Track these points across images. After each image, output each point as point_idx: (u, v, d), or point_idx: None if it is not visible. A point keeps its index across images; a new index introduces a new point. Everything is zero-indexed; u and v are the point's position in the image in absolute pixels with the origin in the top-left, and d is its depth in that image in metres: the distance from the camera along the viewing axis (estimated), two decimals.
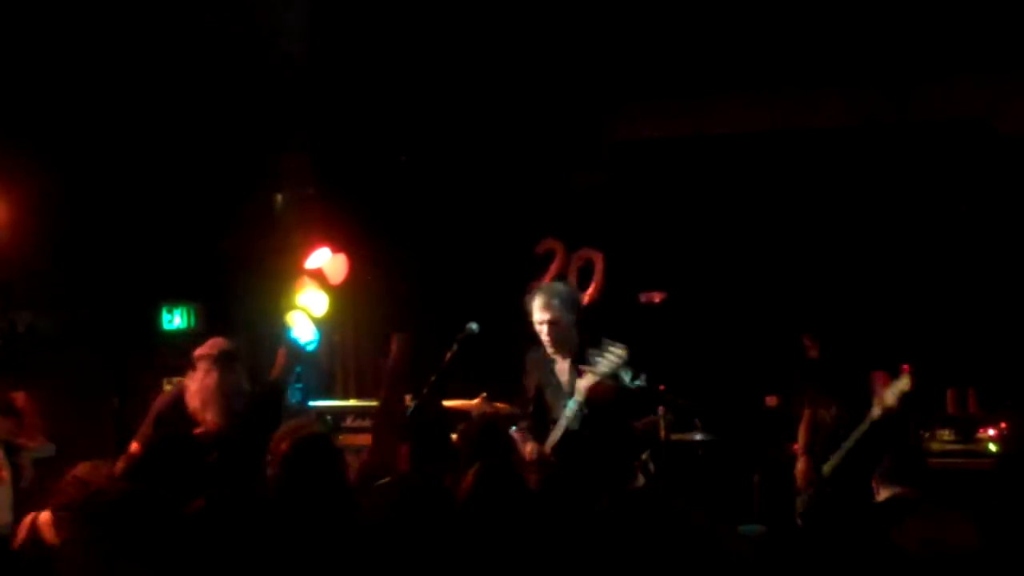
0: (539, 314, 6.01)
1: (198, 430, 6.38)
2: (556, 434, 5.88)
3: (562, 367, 6.05)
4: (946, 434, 7.32)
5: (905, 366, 6.34)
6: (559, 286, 6.36)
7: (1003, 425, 7.23)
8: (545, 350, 6.07)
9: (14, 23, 7.40)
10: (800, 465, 6.75)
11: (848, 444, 6.43)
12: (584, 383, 5.80)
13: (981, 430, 7.35)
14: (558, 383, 6.04)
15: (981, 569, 3.71)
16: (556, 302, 6.02)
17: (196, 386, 6.40)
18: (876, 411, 6.31)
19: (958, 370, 7.81)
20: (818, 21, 8.00)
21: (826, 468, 6.58)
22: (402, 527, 3.70)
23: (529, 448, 5.87)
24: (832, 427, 6.66)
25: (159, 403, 6.53)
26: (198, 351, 6.44)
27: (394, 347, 7.27)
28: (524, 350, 6.19)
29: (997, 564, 3.80)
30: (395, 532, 3.69)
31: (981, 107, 8.51)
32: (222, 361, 6.42)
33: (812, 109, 8.89)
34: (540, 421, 6.06)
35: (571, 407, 5.83)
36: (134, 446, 6.46)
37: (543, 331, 6.01)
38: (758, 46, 8.25)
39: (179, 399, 6.47)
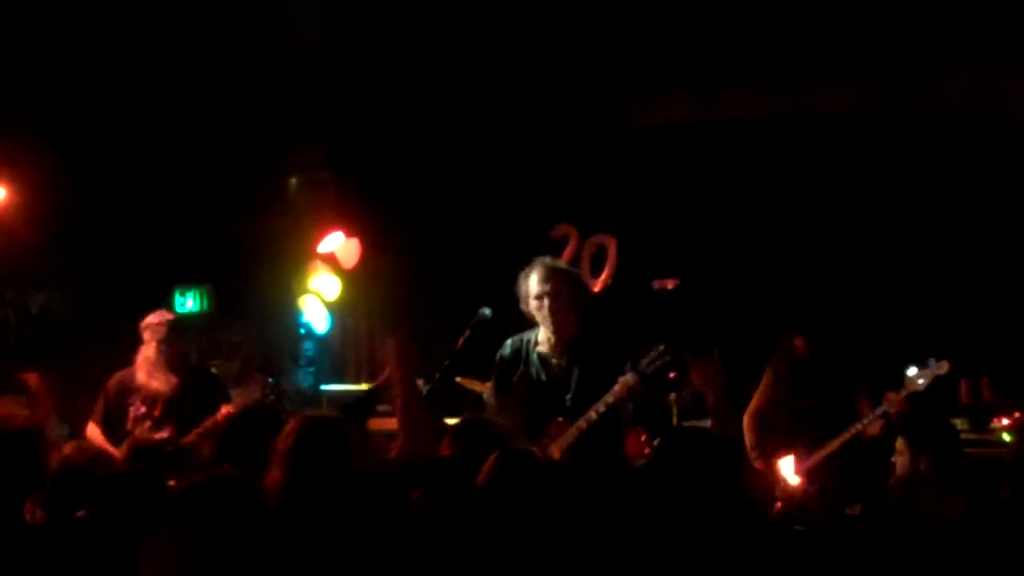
0: (538, 287, 5.74)
1: (134, 406, 6.57)
2: (572, 434, 5.62)
3: (555, 363, 5.83)
4: (960, 423, 7.28)
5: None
6: (561, 263, 6.10)
7: (1017, 414, 7.19)
8: (530, 344, 5.87)
9: (28, 6, 7.40)
10: (758, 467, 6.44)
11: (841, 440, 6.33)
12: (623, 384, 5.55)
13: (995, 419, 7.32)
14: (551, 378, 5.83)
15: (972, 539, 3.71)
16: (559, 275, 5.78)
17: (140, 358, 6.62)
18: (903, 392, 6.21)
19: (972, 359, 7.76)
20: (831, 8, 7.97)
21: (803, 465, 6.44)
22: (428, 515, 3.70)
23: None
24: (799, 423, 6.56)
25: (110, 381, 6.70)
26: (143, 322, 6.66)
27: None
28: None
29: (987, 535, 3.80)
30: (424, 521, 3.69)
31: (996, 94, 8.46)
32: (163, 332, 6.60)
33: (825, 96, 8.85)
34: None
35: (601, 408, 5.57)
36: (90, 425, 6.63)
37: (543, 306, 5.73)
38: (772, 34, 8.22)
39: (127, 374, 6.66)
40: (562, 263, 6.32)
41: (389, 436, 6.84)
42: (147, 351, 6.66)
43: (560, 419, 5.72)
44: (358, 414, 6.54)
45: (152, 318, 6.72)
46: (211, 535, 3.38)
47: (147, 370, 6.63)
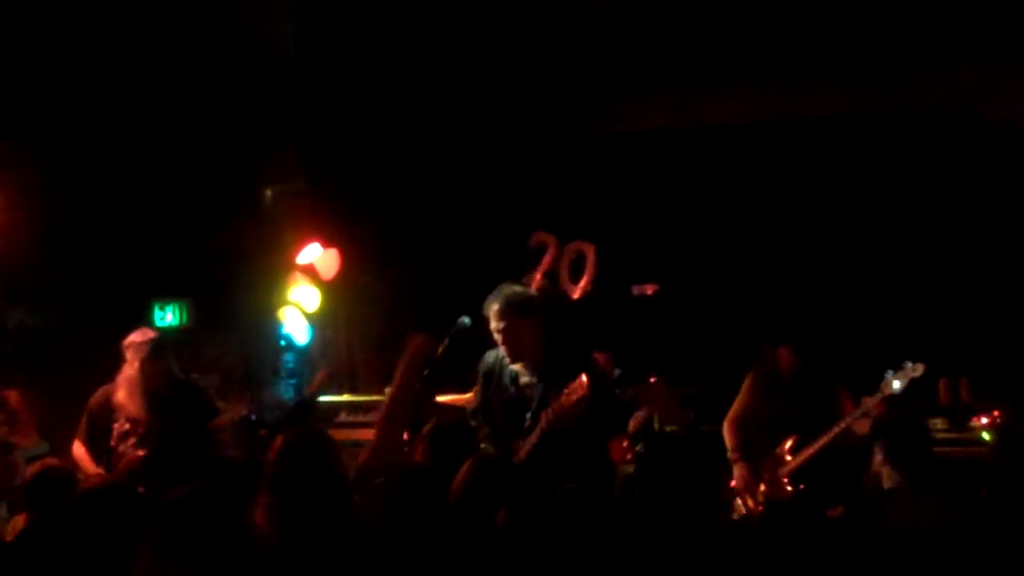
0: (493, 322, 5.87)
1: (118, 423, 6.51)
2: (529, 442, 5.68)
3: (525, 381, 5.88)
4: (938, 423, 7.32)
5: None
6: (511, 290, 6.04)
7: (995, 413, 7.23)
8: (505, 360, 5.93)
9: (9, 22, 7.39)
10: (740, 470, 6.62)
11: (822, 443, 6.39)
12: (546, 415, 5.62)
13: (974, 419, 7.35)
14: (519, 395, 5.86)
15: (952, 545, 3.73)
16: (506, 308, 5.83)
17: (121, 377, 6.55)
18: (875, 399, 6.26)
19: (950, 360, 7.80)
20: (812, 12, 8.00)
21: (785, 468, 6.51)
22: (398, 522, 3.70)
23: None
24: (781, 427, 6.60)
25: (93, 398, 6.65)
26: (125, 340, 6.59)
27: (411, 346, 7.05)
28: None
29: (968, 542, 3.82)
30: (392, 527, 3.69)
31: (970, 95, 8.51)
32: (146, 351, 6.55)
33: (802, 99, 8.87)
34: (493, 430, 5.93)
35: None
36: (76, 443, 6.58)
37: (498, 339, 5.88)
38: (748, 37, 8.25)
39: (110, 390, 6.60)
40: (527, 290, 6.28)
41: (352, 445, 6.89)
42: (129, 370, 6.61)
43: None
44: (294, 425, 6.55)
45: (134, 336, 6.67)
46: (200, 549, 3.38)
47: (127, 390, 6.58)
